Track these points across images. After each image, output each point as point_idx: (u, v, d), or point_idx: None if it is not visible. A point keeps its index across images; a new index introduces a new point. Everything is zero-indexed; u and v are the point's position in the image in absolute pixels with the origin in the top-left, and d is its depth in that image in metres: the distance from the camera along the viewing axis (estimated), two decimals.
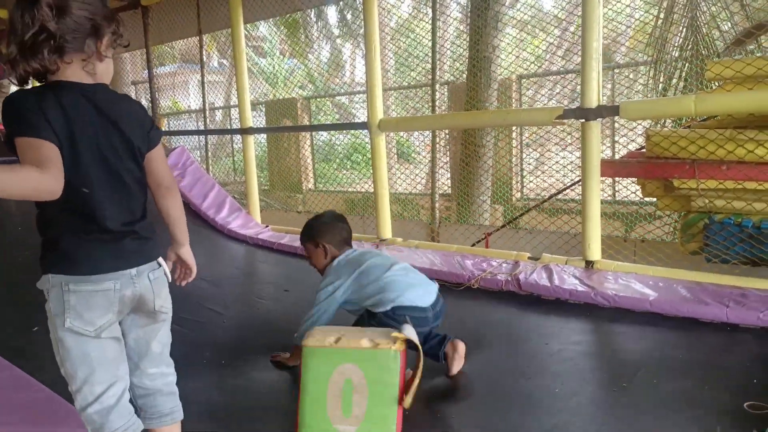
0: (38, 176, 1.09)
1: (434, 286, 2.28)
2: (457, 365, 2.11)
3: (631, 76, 5.52)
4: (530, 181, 6.19)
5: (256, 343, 2.59)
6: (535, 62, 6.38)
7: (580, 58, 3.22)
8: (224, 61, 16.12)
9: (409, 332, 1.78)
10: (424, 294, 2.19)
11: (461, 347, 2.13)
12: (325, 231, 2.40)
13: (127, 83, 9.86)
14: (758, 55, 3.27)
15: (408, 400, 1.73)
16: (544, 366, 2.20)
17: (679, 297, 2.71)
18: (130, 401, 1.40)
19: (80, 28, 1.26)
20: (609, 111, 3.13)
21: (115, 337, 1.35)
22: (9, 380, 2.14)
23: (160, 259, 1.42)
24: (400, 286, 2.17)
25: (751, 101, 2.73)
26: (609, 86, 5.97)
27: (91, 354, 1.30)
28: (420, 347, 1.79)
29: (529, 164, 6.26)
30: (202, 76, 6.51)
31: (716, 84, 3.16)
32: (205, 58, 6.53)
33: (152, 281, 1.37)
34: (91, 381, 1.31)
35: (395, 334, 1.75)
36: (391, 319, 2.08)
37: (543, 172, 5.86)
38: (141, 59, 9.56)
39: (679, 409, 1.81)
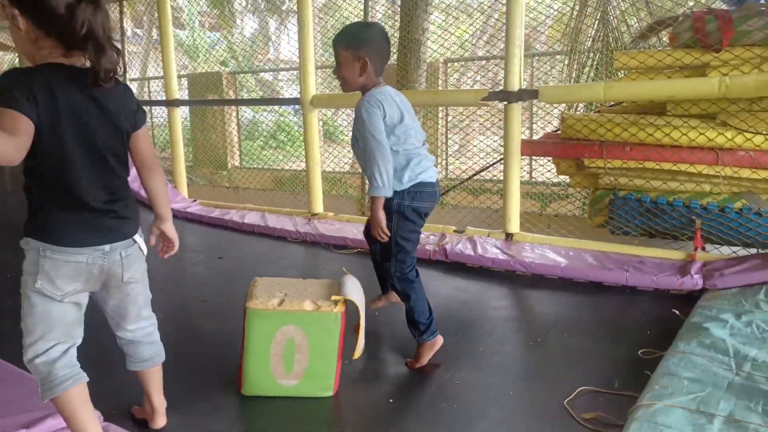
0: (3, 142, 1.16)
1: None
2: (422, 363, 2.05)
3: (548, 64, 5.87)
4: (454, 163, 6.48)
5: (192, 301, 2.66)
6: (462, 47, 6.63)
7: (503, 45, 3.43)
8: (138, 32, 15.38)
9: (350, 290, 1.89)
10: (434, 169, 2.13)
11: (439, 343, 2.07)
12: (372, 44, 2.03)
13: None
14: (659, 48, 3.62)
15: (357, 354, 1.88)
16: (469, 327, 2.40)
17: (586, 264, 3.02)
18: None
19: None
20: (529, 95, 3.38)
21: (77, 303, 1.43)
22: None
23: (136, 236, 1.48)
24: (426, 160, 2.08)
25: (652, 89, 3.05)
26: (528, 73, 6.32)
27: (53, 314, 1.38)
28: (359, 308, 1.88)
29: (452, 146, 6.54)
30: (123, 46, 6.25)
31: (623, 73, 3.48)
32: (123, 27, 6.27)
33: (123, 257, 1.44)
34: (47, 337, 1.39)
35: (335, 297, 1.84)
36: (412, 197, 2.03)
37: (465, 155, 6.15)
38: None
39: (585, 360, 2.07)
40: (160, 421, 1.67)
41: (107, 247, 1.40)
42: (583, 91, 3.45)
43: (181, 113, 7.36)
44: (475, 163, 5.52)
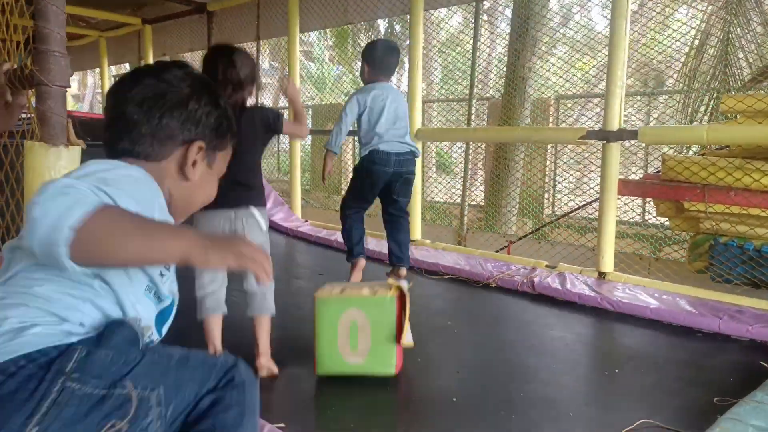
0: None
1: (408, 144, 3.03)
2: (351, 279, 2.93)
3: (665, 104, 5.72)
4: (567, 200, 6.42)
5: (291, 307, 2.99)
6: (582, 81, 6.62)
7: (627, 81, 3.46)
8: (275, 64, 16.77)
9: (404, 284, 2.16)
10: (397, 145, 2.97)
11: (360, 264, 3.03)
12: (371, 55, 3.04)
13: None
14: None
15: (404, 340, 2.08)
16: (546, 346, 2.49)
17: (678, 308, 2.95)
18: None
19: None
20: (629, 134, 3.39)
21: None
22: None
23: (256, 209, 2.03)
24: (384, 142, 2.92)
25: (759, 134, 2.95)
26: (645, 112, 6.17)
27: None
28: (407, 297, 2.09)
29: (567, 184, 6.50)
30: (258, 79, 6.96)
31: (736, 116, 3.38)
32: (259, 61, 6.99)
33: (246, 220, 2.01)
34: (198, 277, 2.04)
35: (391, 282, 2.14)
36: (368, 160, 2.95)
37: (579, 190, 6.09)
38: (199, 58, 10.15)
39: (654, 396, 2.08)
40: (264, 360, 2.10)
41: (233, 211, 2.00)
42: (684, 133, 3.39)
43: (305, 141, 7.97)
44: (586, 198, 5.48)
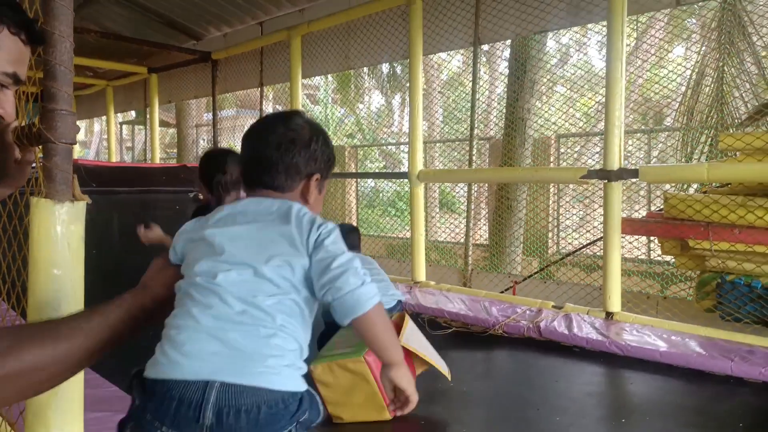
0: None
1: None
2: None
3: (664, 142, 5.76)
4: (572, 238, 6.40)
5: None
6: (580, 121, 6.70)
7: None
8: (279, 107, 17.08)
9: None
10: None
11: None
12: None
13: (191, 126, 10.63)
14: (766, 130, 3.51)
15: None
16: (551, 399, 2.43)
17: (688, 350, 2.90)
18: None
19: None
20: (629, 174, 3.40)
21: None
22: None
23: None
24: None
25: (759, 171, 2.96)
26: (644, 150, 6.22)
27: None
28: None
29: (571, 222, 6.50)
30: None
31: (735, 154, 3.40)
32: (263, 106, 7.11)
33: None
34: None
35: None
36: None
37: (582, 228, 6.09)
38: (204, 104, 10.35)
39: None
40: None
41: None
42: (685, 172, 3.41)
43: None
44: (590, 237, 5.47)
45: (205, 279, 1.04)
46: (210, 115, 8.18)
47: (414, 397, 1.13)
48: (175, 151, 11.81)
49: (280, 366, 1.00)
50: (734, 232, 3.06)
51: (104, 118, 10.86)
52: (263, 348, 1.00)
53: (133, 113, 13.68)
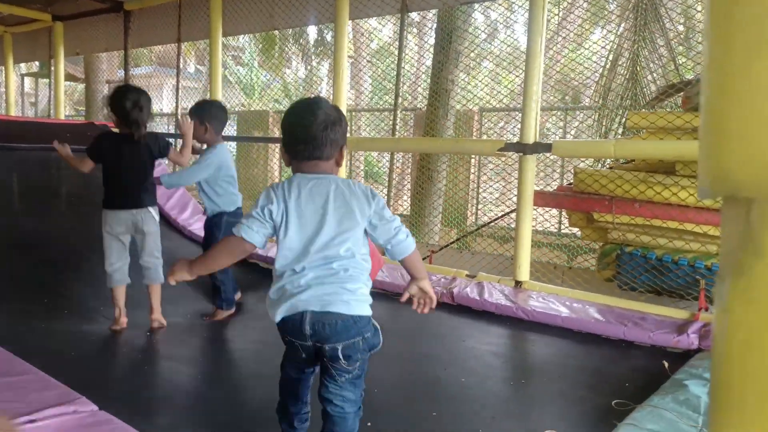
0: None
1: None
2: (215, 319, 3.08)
3: (579, 120, 5.99)
4: (488, 210, 6.58)
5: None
6: (504, 97, 6.82)
7: (550, 96, 3.59)
8: (201, 68, 16.31)
9: None
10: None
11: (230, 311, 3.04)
12: (213, 115, 3.17)
13: (102, 81, 9.97)
14: (668, 110, 3.71)
15: None
16: (459, 360, 2.50)
17: (587, 316, 3.07)
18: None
19: None
20: (543, 147, 3.50)
21: (121, 239, 2.82)
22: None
23: (151, 208, 2.81)
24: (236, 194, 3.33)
25: (661, 149, 3.13)
26: (561, 126, 6.44)
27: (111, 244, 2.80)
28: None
29: (491, 194, 6.66)
30: (177, 82, 6.74)
31: (641, 132, 3.57)
32: (182, 65, 6.76)
33: (143, 216, 2.76)
34: (107, 257, 2.79)
35: None
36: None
37: (493, 203, 6.26)
38: (117, 59, 9.70)
39: (558, 404, 2.14)
40: (156, 315, 2.86)
41: (134, 210, 2.76)
42: (594, 147, 3.55)
43: (229, 147, 7.80)
44: (504, 211, 5.64)
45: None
46: (121, 72, 7.69)
47: (435, 296, 1.76)
48: (84, 108, 11.07)
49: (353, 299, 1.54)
50: (635, 206, 3.24)
51: (2, 68, 9.99)
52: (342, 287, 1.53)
53: (36, 65, 12.64)
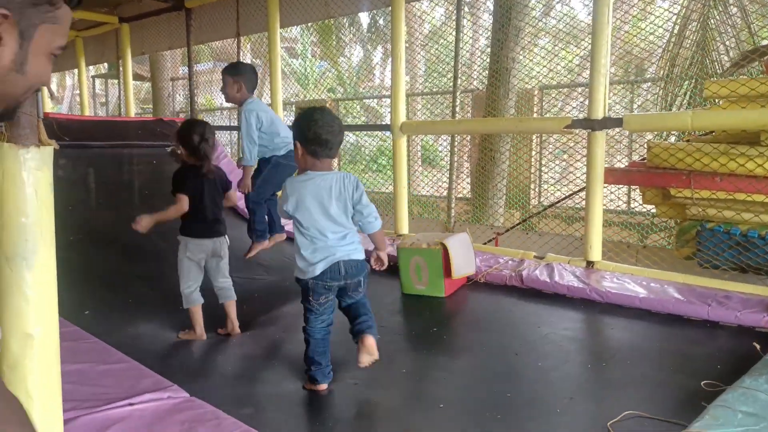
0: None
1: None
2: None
3: (648, 91, 5.72)
4: (554, 190, 6.41)
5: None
6: (563, 73, 6.60)
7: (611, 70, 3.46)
8: (257, 61, 16.62)
9: (451, 239, 3.25)
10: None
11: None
12: (245, 73, 3.51)
13: (166, 79, 10.32)
14: (750, 77, 3.48)
15: (455, 273, 3.19)
16: (532, 345, 2.46)
17: (667, 296, 2.94)
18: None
19: None
20: (613, 123, 3.37)
21: (199, 264, 2.90)
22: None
23: (225, 236, 2.94)
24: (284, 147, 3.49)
25: (743, 119, 2.95)
26: (629, 99, 6.18)
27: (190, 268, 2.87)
28: (449, 249, 3.21)
29: (553, 174, 6.50)
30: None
31: (718, 101, 3.38)
32: (240, 58, 6.90)
33: (220, 243, 2.90)
34: (185, 280, 2.86)
35: (437, 240, 3.26)
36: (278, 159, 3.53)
37: (565, 180, 6.10)
38: (180, 57, 10.02)
39: (641, 386, 2.07)
40: (235, 331, 2.89)
41: (215, 239, 2.89)
42: (669, 120, 3.38)
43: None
44: (571, 190, 5.48)
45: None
46: (186, 69, 7.93)
47: (386, 262, 2.37)
48: (151, 106, 11.50)
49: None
50: (716, 180, 3.08)
51: (76, 71, 10.50)
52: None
53: (105, 67, 13.23)
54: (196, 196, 2.91)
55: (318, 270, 2.11)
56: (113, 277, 3.45)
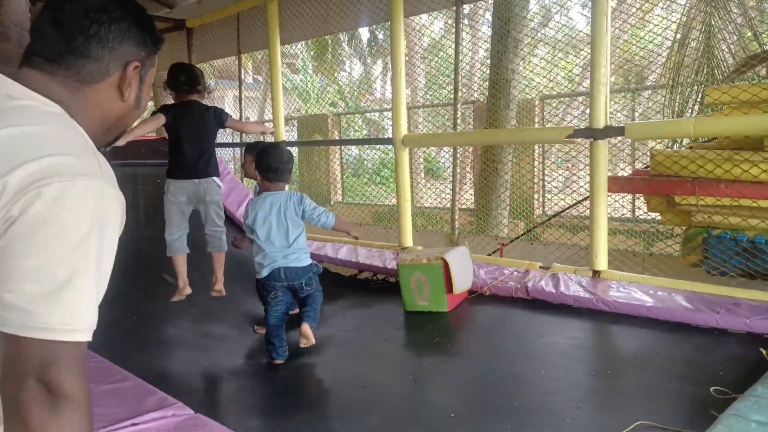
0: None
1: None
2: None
3: (650, 99, 5.72)
4: (558, 199, 6.39)
5: None
6: (566, 81, 6.61)
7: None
8: (258, 78, 16.72)
9: (450, 253, 3.27)
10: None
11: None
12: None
13: (168, 98, 10.37)
14: (753, 82, 3.48)
15: (455, 288, 3.20)
16: (539, 354, 2.44)
17: (675, 304, 2.92)
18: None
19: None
20: (615, 131, 3.36)
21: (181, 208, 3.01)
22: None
23: (215, 178, 3.02)
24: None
25: (746, 124, 2.94)
26: (630, 107, 6.18)
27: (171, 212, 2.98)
28: (449, 263, 3.21)
29: (556, 183, 6.47)
30: (240, 92, 6.93)
31: (722, 107, 3.36)
32: (242, 76, 6.94)
33: (206, 186, 2.94)
34: (167, 225, 2.97)
35: (437, 255, 3.26)
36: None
37: (568, 189, 6.08)
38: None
39: (651, 396, 2.04)
40: (218, 285, 3.04)
41: (196, 180, 2.96)
42: (671, 128, 3.37)
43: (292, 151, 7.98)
44: (577, 197, 5.45)
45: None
46: None
47: (359, 236, 3.00)
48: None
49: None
50: (720, 187, 3.06)
51: None
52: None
53: None
54: (176, 133, 2.96)
55: (264, 273, 2.68)
56: (118, 293, 3.45)
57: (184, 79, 3.05)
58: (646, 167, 3.65)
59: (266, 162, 2.71)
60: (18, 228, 0.69)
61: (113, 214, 0.78)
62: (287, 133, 6.71)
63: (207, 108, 3.11)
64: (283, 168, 2.71)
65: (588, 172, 3.55)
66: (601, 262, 3.49)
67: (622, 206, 5.74)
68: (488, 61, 6.57)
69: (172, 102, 3.14)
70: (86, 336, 0.75)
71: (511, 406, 1.99)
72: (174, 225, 2.93)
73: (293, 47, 14.67)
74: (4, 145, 0.72)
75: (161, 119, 3.00)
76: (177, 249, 2.95)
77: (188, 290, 2.99)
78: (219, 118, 3.11)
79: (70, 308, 0.72)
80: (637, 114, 6.11)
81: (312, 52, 14.42)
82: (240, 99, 6.87)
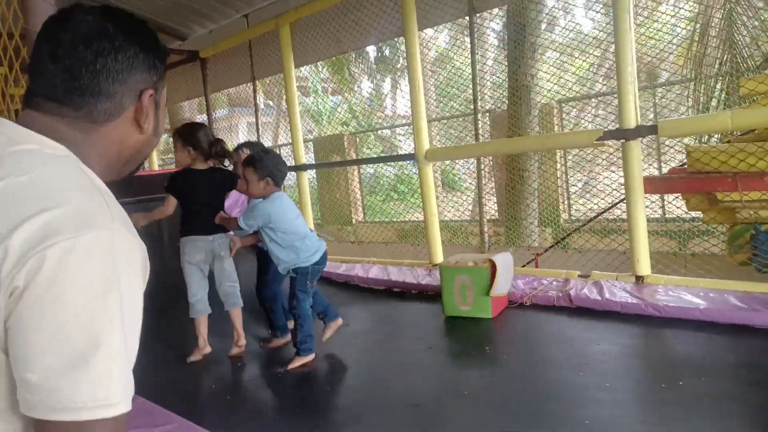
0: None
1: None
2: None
3: (671, 93, 5.59)
4: (580, 203, 6.26)
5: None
6: (578, 84, 6.49)
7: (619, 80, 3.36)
8: (270, 103, 16.85)
9: (498, 258, 3.17)
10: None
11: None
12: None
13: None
14: None
15: (493, 291, 3.11)
16: (596, 364, 2.33)
17: (730, 305, 2.79)
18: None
19: None
20: (648, 130, 3.26)
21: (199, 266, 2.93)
22: None
23: (229, 233, 2.94)
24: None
25: None
26: (651, 103, 6.06)
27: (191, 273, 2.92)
28: (497, 266, 3.15)
29: (576, 186, 6.35)
30: (257, 118, 6.94)
31: (756, 99, 3.25)
32: (257, 102, 6.95)
33: (219, 243, 2.88)
34: (189, 287, 2.92)
35: (485, 257, 3.27)
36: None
37: (588, 193, 5.95)
38: (197, 106, 10.16)
39: (723, 405, 1.92)
40: (241, 341, 2.93)
41: (210, 237, 2.88)
42: (707, 122, 3.26)
43: (309, 175, 7.97)
44: (600, 200, 5.34)
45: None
46: (204, 117, 8.01)
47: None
48: (171, 156, 11.65)
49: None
50: (765, 180, 2.94)
51: None
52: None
53: None
54: (188, 193, 2.88)
55: (317, 257, 2.76)
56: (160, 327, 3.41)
57: (220, 149, 3.00)
58: (681, 165, 3.54)
59: (277, 169, 2.75)
60: (27, 301, 0.62)
61: (130, 264, 0.68)
62: (305, 157, 6.68)
63: (221, 169, 3.07)
64: (286, 172, 2.88)
65: (612, 172, 3.44)
66: (644, 267, 3.37)
67: (660, 207, 5.60)
68: (497, 69, 6.51)
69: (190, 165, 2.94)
70: (123, 408, 0.65)
71: (576, 422, 1.88)
72: (194, 285, 2.87)
73: (301, 70, 14.77)
74: (1, 200, 0.65)
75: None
76: (200, 310, 2.89)
77: (208, 349, 2.93)
78: (231, 184, 3.05)
79: (99, 378, 0.63)
80: (650, 112, 5.98)
81: (322, 74, 14.49)
82: (257, 125, 6.87)
